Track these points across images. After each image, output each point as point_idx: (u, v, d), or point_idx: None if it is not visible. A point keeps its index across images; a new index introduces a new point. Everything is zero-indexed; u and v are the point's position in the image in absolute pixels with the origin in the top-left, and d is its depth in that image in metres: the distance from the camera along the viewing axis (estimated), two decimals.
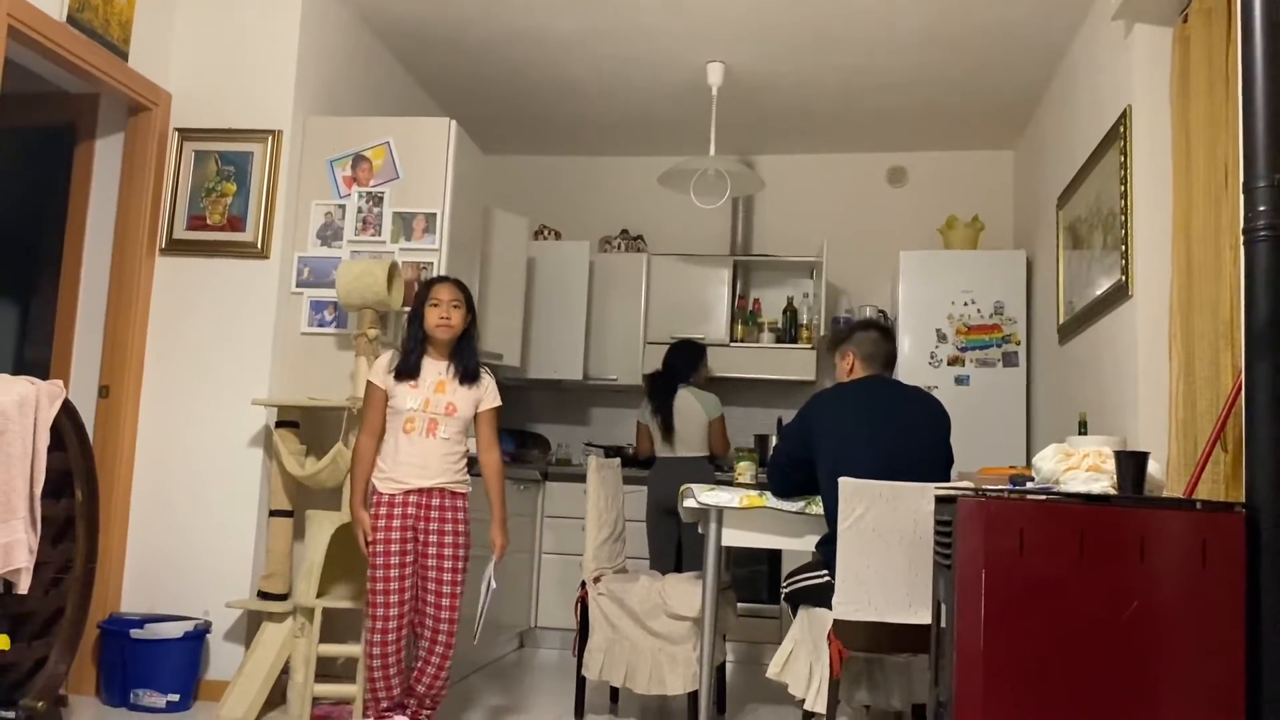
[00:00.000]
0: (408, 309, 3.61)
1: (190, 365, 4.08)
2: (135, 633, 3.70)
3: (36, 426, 2.96)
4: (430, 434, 3.36)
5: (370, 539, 3.32)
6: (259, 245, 4.08)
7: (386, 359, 3.43)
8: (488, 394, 3.47)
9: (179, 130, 4.17)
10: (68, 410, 3.15)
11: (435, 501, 3.35)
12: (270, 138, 4.12)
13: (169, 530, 4.00)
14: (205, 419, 4.04)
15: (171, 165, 4.15)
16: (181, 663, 3.74)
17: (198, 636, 3.81)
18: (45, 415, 3.00)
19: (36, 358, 4.27)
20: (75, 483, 3.25)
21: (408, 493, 3.33)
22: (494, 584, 3.47)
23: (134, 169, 4.10)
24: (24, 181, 4.50)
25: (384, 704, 3.33)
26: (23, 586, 2.90)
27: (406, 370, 3.38)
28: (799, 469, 3.43)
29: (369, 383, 3.41)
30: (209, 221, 4.13)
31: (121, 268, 4.07)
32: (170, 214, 4.14)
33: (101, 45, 3.75)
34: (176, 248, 4.13)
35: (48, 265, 4.27)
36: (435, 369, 3.42)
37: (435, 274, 4.10)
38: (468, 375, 3.42)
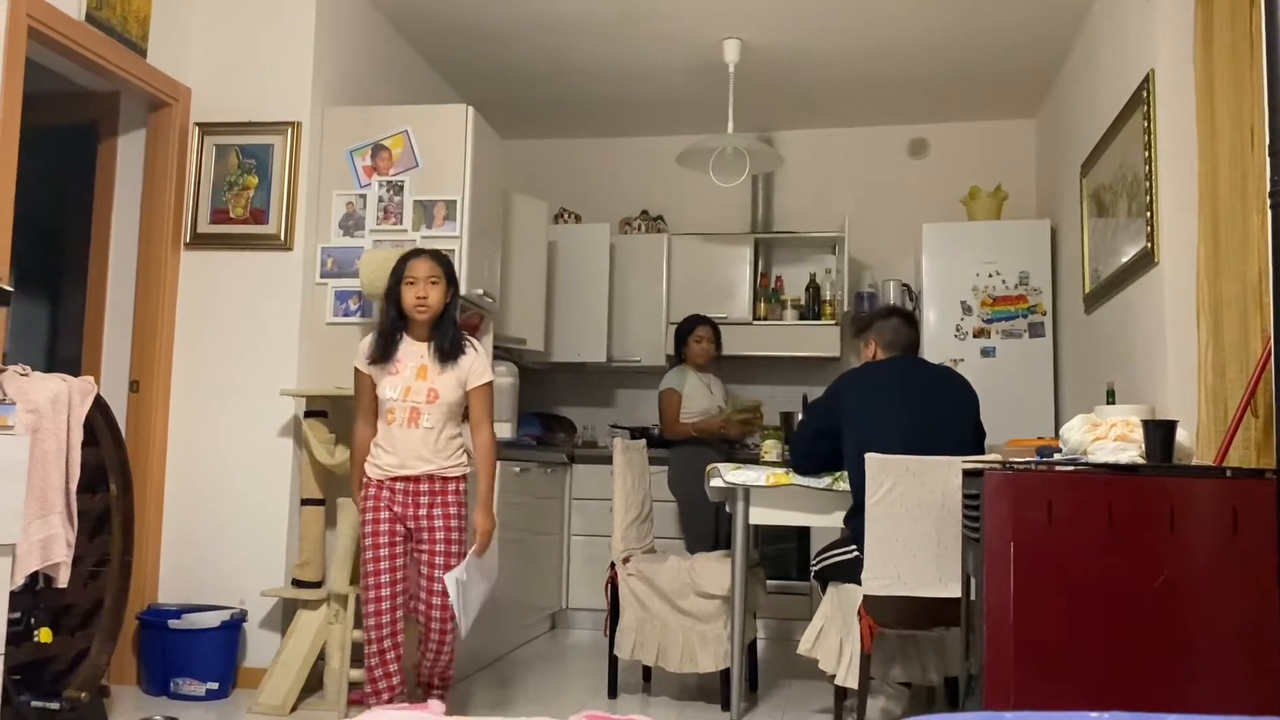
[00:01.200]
0: None
1: (218, 358, 4.12)
2: (173, 623, 3.76)
3: (70, 423, 3.00)
4: (412, 424, 3.17)
5: (360, 523, 3.23)
6: (282, 237, 4.11)
7: (367, 342, 3.27)
8: (473, 371, 3.24)
9: (199, 125, 4.19)
10: (100, 406, 3.18)
11: (424, 487, 3.19)
12: (290, 129, 4.14)
13: (203, 521, 4.05)
14: (235, 411, 4.08)
15: (193, 160, 4.18)
16: (219, 651, 3.80)
17: (234, 625, 3.87)
18: (78, 412, 3.04)
19: (67, 355, 4.33)
20: (109, 477, 3.29)
21: (394, 479, 3.19)
22: (464, 577, 3.17)
23: (156, 165, 4.13)
24: (49, 181, 4.54)
25: (385, 694, 3.15)
26: (62, 580, 2.95)
27: (383, 356, 3.20)
28: (822, 440, 3.44)
29: (355, 368, 3.28)
30: (232, 215, 4.15)
31: (148, 263, 4.11)
32: (194, 208, 4.17)
33: (120, 42, 3.78)
34: (201, 242, 4.17)
35: (75, 263, 4.32)
36: (416, 352, 3.22)
37: (453, 259, 4.09)
38: (447, 354, 3.19)
